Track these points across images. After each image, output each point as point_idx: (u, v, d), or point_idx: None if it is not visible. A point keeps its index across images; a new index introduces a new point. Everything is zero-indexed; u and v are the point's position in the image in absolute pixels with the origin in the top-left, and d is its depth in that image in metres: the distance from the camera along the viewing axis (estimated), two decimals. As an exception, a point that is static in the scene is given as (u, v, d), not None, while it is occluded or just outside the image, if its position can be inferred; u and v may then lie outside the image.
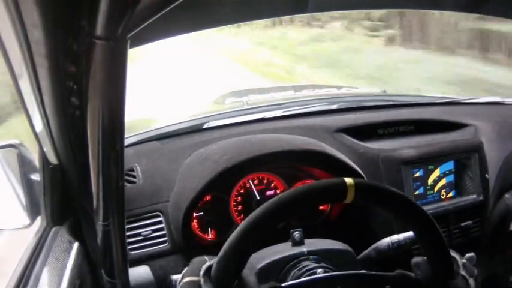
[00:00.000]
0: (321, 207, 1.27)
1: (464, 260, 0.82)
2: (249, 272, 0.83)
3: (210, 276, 0.72)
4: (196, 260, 0.77)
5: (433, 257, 0.78)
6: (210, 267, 0.73)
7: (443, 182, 1.35)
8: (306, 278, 0.79)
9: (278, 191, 1.24)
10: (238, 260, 0.70)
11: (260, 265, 0.83)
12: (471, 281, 0.79)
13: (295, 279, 0.80)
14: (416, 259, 0.82)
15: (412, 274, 0.80)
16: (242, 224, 0.71)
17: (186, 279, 0.74)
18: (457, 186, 1.37)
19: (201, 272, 0.73)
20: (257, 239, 0.71)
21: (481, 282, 0.85)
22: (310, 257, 0.84)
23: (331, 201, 0.74)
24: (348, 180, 0.72)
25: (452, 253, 0.81)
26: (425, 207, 0.77)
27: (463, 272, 0.80)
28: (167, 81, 7.76)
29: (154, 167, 1.16)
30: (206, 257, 0.76)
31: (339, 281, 0.76)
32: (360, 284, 0.78)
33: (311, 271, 0.80)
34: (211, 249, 1.15)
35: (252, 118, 1.36)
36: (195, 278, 0.73)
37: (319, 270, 0.80)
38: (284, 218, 0.73)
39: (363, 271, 0.81)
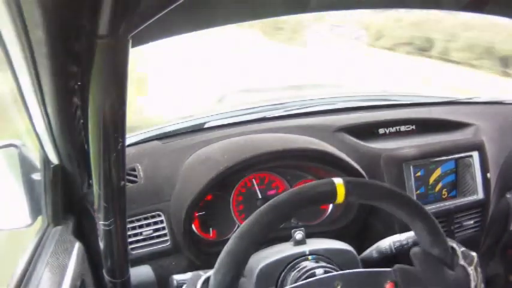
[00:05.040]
0: (322, 207, 1.27)
1: (463, 249, 0.80)
2: (249, 272, 0.83)
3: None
4: (192, 277, 0.78)
5: (430, 246, 0.78)
6: (207, 280, 0.74)
7: (444, 181, 1.34)
8: (304, 282, 0.78)
9: (279, 191, 1.24)
10: (235, 269, 0.70)
11: (261, 265, 0.82)
12: (470, 270, 0.78)
13: (294, 281, 0.79)
14: (415, 249, 0.81)
15: (410, 267, 0.80)
16: (237, 232, 0.71)
17: None
18: (458, 185, 1.37)
19: (198, 286, 0.74)
20: (253, 247, 0.70)
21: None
22: (309, 257, 0.84)
23: (323, 202, 0.75)
24: (337, 180, 0.73)
25: (451, 243, 0.80)
26: (426, 207, 0.77)
27: (462, 262, 0.79)
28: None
29: (155, 166, 1.16)
30: (201, 272, 0.78)
31: (338, 280, 0.76)
32: (360, 282, 0.78)
33: (310, 271, 0.80)
34: (212, 248, 1.15)
35: (253, 118, 1.36)
36: None
37: (319, 270, 0.79)
38: (278, 223, 0.72)
39: (362, 269, 0.81)
